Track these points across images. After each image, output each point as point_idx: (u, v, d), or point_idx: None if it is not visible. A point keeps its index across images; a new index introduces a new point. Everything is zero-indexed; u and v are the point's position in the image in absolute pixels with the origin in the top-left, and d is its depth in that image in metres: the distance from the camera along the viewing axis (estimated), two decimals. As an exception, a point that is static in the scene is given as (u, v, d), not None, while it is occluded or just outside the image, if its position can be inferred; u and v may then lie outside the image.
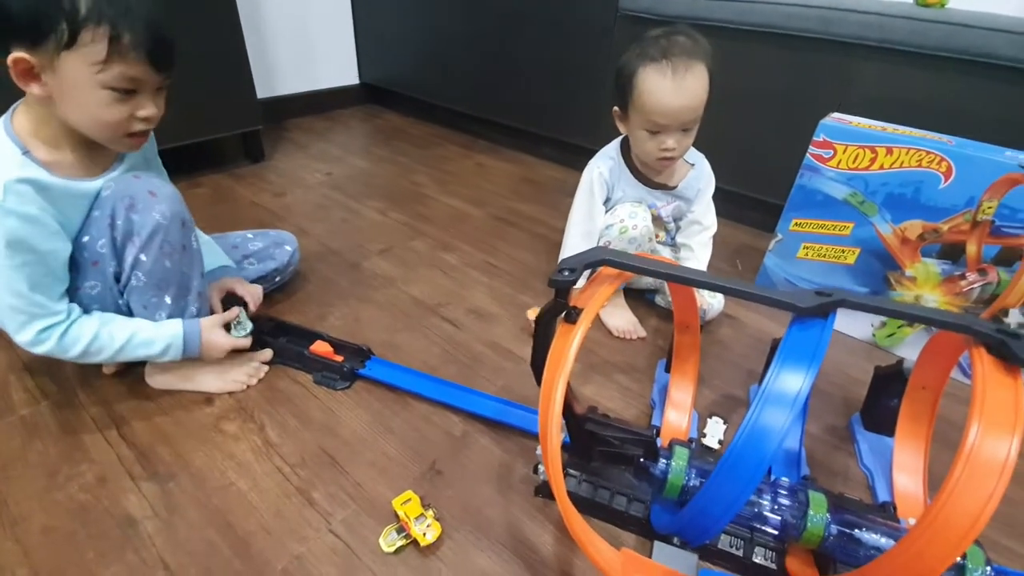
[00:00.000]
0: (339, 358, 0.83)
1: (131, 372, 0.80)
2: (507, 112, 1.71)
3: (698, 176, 0.95)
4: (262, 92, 1.66)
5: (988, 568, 0.50)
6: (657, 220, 0.96)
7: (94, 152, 0.66)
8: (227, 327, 0.78)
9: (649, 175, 0.94)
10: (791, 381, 0.44)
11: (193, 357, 0.74)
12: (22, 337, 0.64)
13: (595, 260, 0.52)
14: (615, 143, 0.97)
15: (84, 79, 0.57)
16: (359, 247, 1.17)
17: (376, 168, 1.59)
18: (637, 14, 1.30)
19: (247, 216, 1.26)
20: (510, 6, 1.53)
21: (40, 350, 0.65)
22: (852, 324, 0.98)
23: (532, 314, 0.99)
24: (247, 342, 0.79)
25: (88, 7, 0.55)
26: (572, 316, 0.51)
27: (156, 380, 0.78)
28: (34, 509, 0.61)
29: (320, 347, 0.83)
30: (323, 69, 1.93)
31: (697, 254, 0.97)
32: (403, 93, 1.96)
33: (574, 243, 0.95)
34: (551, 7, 1.45)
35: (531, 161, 1.68)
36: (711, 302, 0.95)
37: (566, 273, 0.49)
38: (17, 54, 0.55)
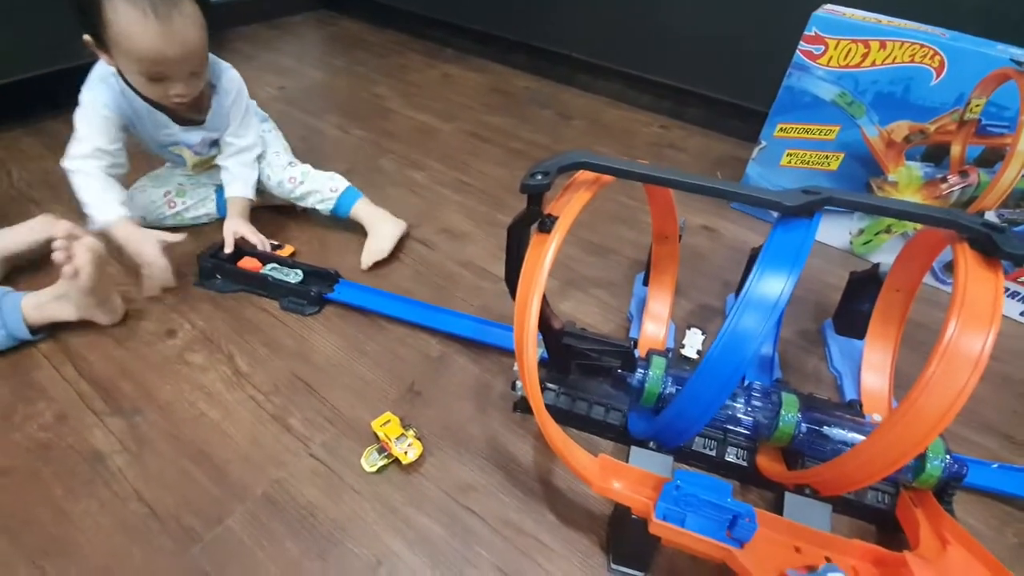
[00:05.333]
0: (257, 266, 0.80)
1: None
2: (474, 15, 1.56)
3: (222, 93, 0.81)
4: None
5: (947, 456, 0.52)
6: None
7: None
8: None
9: (175, 110, 0.78)
10: (772, 285, 0.42)
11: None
12: None
13: (571, 163, 0.48)
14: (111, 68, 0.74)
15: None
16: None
17: (334, 80, 1.46)
18: None
19: (193, 137, 1.15)
20: None
21: None
22: (830, 232, 0.97)
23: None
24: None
25: None
26: (547, 225, 0.48)
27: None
28: (-8, 450, 0.59)
29: (248, 263, 0.81)
30: (266, -32, 1.71)
31: (236, 174, 0.84)
32: (358, -5, 1.77)
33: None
34: None
35: (501, 70, 1.56)
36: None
37: (539, 177, 0.45)
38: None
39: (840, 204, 0.45)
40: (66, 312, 0.69)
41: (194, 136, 0.83)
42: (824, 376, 0.74)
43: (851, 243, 0.96)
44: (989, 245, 0.44)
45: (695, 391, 0.44)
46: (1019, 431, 0.70)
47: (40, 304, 0.68)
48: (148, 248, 0.74)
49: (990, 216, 0.83)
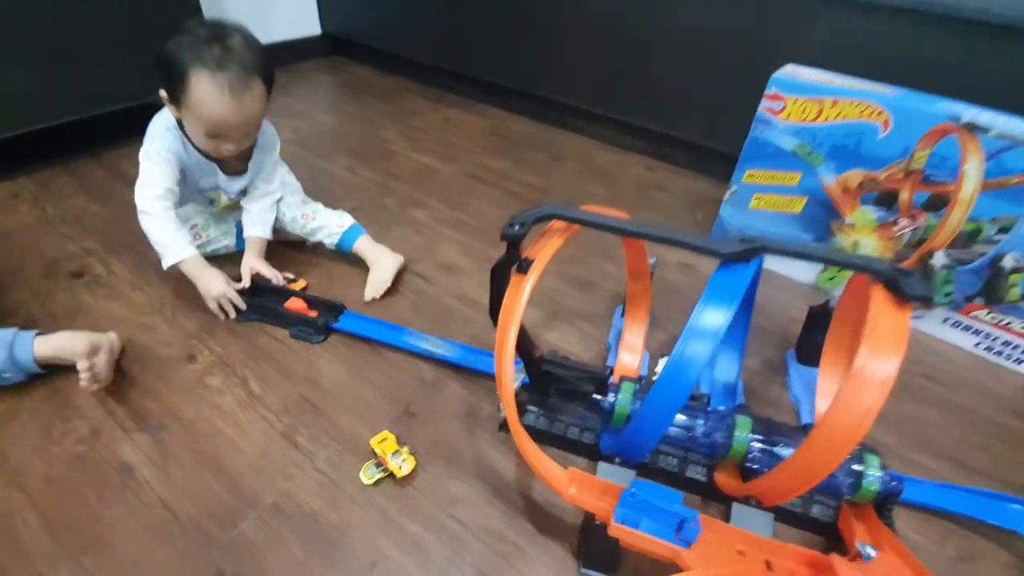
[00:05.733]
0: (313, 313, 0.87)
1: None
2: (476, 65, 1.69)
3: (262, 148, 0.93)
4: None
5: (884, 473, 0.59)
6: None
7: None
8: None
9: (224, 161, 0.89)
10: (711, 318, 0.50)
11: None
12: None
13: (545, 214, 0.57)
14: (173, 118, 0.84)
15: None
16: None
17: (343, 124, 1.57)
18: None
19: (214, 177, 1.25)
20: (473, -49, 1.48)
21: None
22: (797, 269, 1.05)
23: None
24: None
25: None
26: (524, 267, 0.56)
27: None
28: (34, 462, 0.66)
29: (294, 303, 0.88)
30: (281, 19, 1.85)
31: (256, 217, 0.94)
32: (369, 44, 1.91)
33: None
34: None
35: (499, 114, 1.68)
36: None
37: (516, 227, 0.54)
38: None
39: (771, 251, 0.53)
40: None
41: (237, 184, 0.94)
42: (785, 403, 0.80)
43: (817, 278, 1.04)
44: (898, 287, 0.51)
45: (648, 411, 0.52)
46: (970, 457, 0.76)
47: (54, 358, 0.73)
48: (216, 283, 0.85)
49: (939, 256, 0.91)
